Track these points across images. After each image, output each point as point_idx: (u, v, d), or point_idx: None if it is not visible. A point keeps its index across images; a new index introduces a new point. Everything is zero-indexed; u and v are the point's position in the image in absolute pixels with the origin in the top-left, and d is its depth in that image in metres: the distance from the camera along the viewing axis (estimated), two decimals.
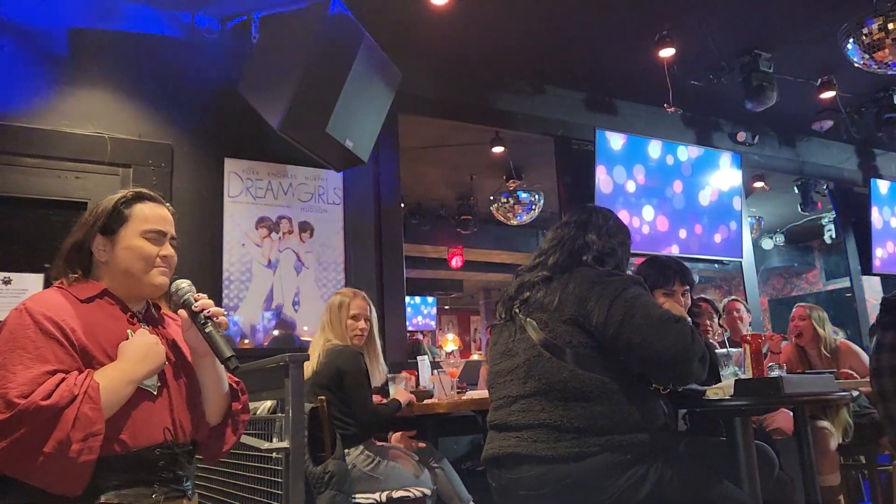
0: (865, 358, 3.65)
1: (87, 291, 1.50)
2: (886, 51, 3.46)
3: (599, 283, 1.85)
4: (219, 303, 3.19)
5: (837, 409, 3.49)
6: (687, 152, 5.04)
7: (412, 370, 3.45)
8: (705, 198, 5.08)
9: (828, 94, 4.85)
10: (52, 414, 1.26)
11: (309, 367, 2.78)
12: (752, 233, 6.67)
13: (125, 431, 1.39)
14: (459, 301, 12.08)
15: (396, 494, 2.71)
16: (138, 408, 1.43)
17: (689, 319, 2.26)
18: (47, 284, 1.55)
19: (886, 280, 6.00)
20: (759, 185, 6.42)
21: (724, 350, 2.61)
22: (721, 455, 2.01)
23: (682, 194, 4.97)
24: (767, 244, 8.69)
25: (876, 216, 5.84)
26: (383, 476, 2.74)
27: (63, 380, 1.31)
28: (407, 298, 4.22)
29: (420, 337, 9.61)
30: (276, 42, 3.30)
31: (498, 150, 5.34)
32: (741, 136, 5.49)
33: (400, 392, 3.06)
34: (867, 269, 5.86)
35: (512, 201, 6.17)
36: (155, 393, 1.47)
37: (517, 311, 1.96)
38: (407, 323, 4.29)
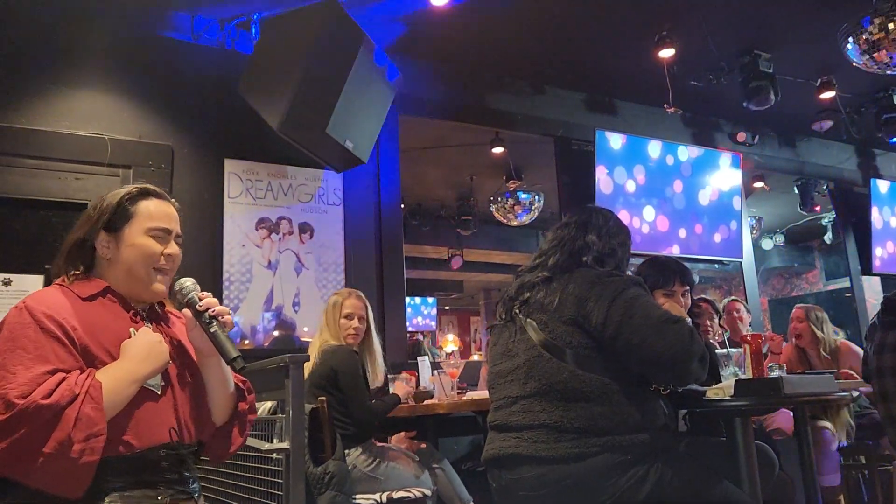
0: None
1: (89, 289, 1.47)
2: (884, 51, 3.46)
3: (599, 284, 1.85)
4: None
5: (838, 410, 3.49)
6: (687, 152, 5.04)
7: (412, 371, 3.45)
8: (705, 198, 5.08)
9: (828, 95, 4.85)
10: (52, 414, 1.23)
11: (307, 368, 2.78)
12: (752, 233, 6.67)
13: (129, 432, 1.36)
14: (459, 302, 12.08)
15: (397, 495, 2.71)
16: (142, 408, 1.40)
17: (689, 320, 2.27)
18: (47, 285, 1.52)
19: (886, 280, 6.00)
20: (758, 185, 6.42)
21: (724, 350, 2.61)
22: (721, 455, 2.01)
23: (682, 194, 4.97)
24: (767, 244, 8.69)
25: (876, 216, 5.84)
26: (383, 477, 2.74)
27: (64, 379, 1.28)
28: (407, 299, 4.22)
29: (420, 337, 9.59)
30: (276, 43, 3.30)
31: (498, 150, 5.34)
32: (741, 136, 5.49)
33: (398, 385, 3.05)
34: (867, 269, 5.86)
35: (512, 202, 6.17)
36: (159, 393, 1.44)
37: (517, 311, 1.95)
38: (407, 323, 4.29)
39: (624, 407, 1.75)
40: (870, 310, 5.81)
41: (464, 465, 3.53)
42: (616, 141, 4.69)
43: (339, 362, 2.81)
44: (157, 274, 1.52)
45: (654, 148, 4.87)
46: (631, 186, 4.72)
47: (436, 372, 3.39)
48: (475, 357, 10.24)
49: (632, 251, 2.14)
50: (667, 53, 4.20)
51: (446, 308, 12.27)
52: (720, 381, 2.29)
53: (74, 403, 1.26)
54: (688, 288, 2.50)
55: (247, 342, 3.57)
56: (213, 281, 3.48)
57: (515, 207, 6.19)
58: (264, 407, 2.32)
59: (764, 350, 2.96)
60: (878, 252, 5.82)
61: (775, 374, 2.34)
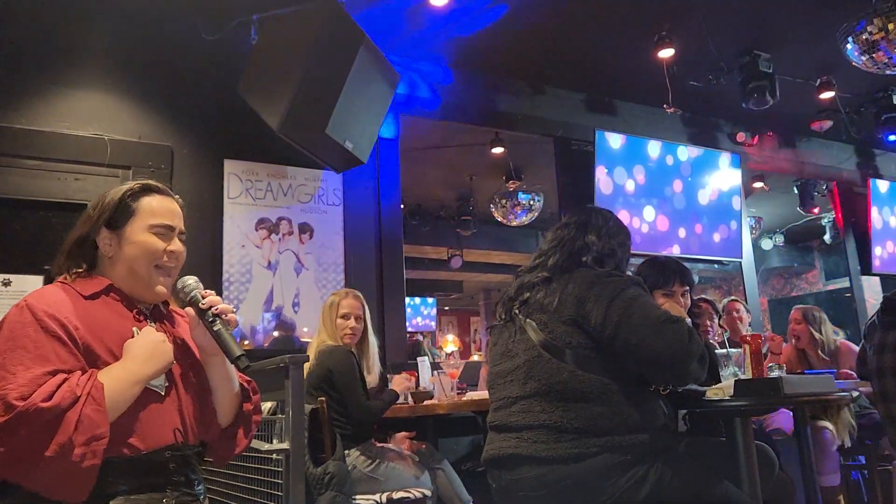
0: None
1: (91, 287, 1.43)
2: (881, 52, 3.46)
3: (598, 284, 1.85)
4: None
5: (838, 410, 3.49)
6: (686, 152, 5.04)
7: (412, 371, 3.45)
8: (705, 198, 5.09)
9: (827, 95, 4.85)
10: (53, 416, 1.20)
11: (305, 369, 2.78)
12: (751, 233, 6.67)
13: (133, 434, 1.34)
14: (459, 302, 12.08)
15: (396, 495, 2.71)
16: (146, 409, 1.37)
17: (689, 320, 2.27)
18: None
19: (886, 280, 6.00)
20: (758, 185, 6.42)
21: (724, 350, 2.61)
22: (721, 455, 2.00)
23: (681, 194, 4.97)
24: (767, 244, 8.69)
25: (875, 216, 5.85)
26: (383, 477, 2.74)
27: (65, 380, 1.24)
28: (407, 299, 4.22)
29: (420, 338, 9.59)
30: (276, 43, 3.30)
31: (498, 150, 5.34)
32: (741, 136, 5.49)
33: (396, 381, 3.05)
34: (867, 269, 5.87)
35: (512, 202, 6.17)
36: (163, 393, 1.41)
37: (517, 311, 1.96)
38: (407, 324, 4.28)
39: (623, 407, 1.75)
40: (869, 310, 5.81)
41: (464, 466, 3.53)
42: (616, 141, 4.69)
43: (335, 362, 2.81)
44: (159, 274, 1.49)
45: (654, 148, 4.87)
46: (631, 186, 4.72)
47: (436, 372, 3.39)
48: (475, 357, 10.23)
49: (632, 251, 2.14)
50: (666, 53, 4.21)
51: (446, 308, 12.27)
52: (720, 381, 2.30)
53: (76, 406, 1.22)
54: (687, 288, 2.50)
55: (246, 342, 3.57)
56: (212, 281, 3.48)
57: (515, 208, 6.19)
58: (264, 407, 2.32)
59: (764, 350, 2.96)
60: (877, 252, 5.83)
61: (775, 374, 2.34)
